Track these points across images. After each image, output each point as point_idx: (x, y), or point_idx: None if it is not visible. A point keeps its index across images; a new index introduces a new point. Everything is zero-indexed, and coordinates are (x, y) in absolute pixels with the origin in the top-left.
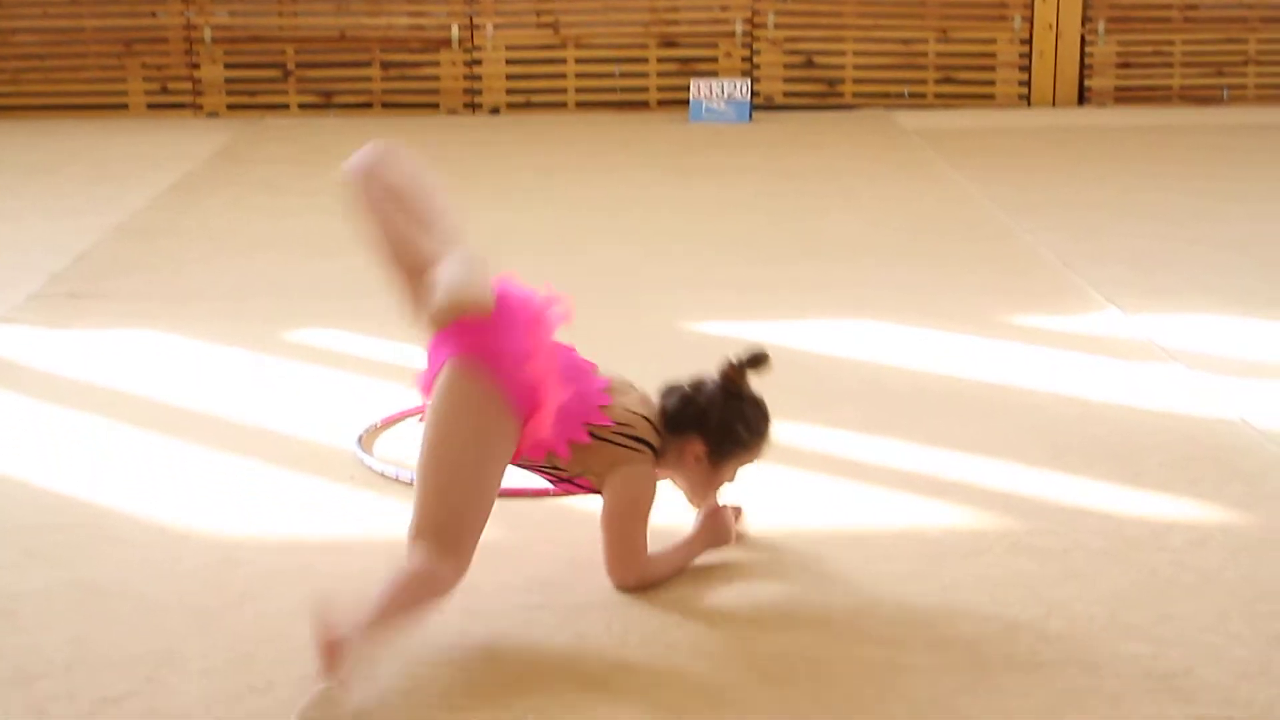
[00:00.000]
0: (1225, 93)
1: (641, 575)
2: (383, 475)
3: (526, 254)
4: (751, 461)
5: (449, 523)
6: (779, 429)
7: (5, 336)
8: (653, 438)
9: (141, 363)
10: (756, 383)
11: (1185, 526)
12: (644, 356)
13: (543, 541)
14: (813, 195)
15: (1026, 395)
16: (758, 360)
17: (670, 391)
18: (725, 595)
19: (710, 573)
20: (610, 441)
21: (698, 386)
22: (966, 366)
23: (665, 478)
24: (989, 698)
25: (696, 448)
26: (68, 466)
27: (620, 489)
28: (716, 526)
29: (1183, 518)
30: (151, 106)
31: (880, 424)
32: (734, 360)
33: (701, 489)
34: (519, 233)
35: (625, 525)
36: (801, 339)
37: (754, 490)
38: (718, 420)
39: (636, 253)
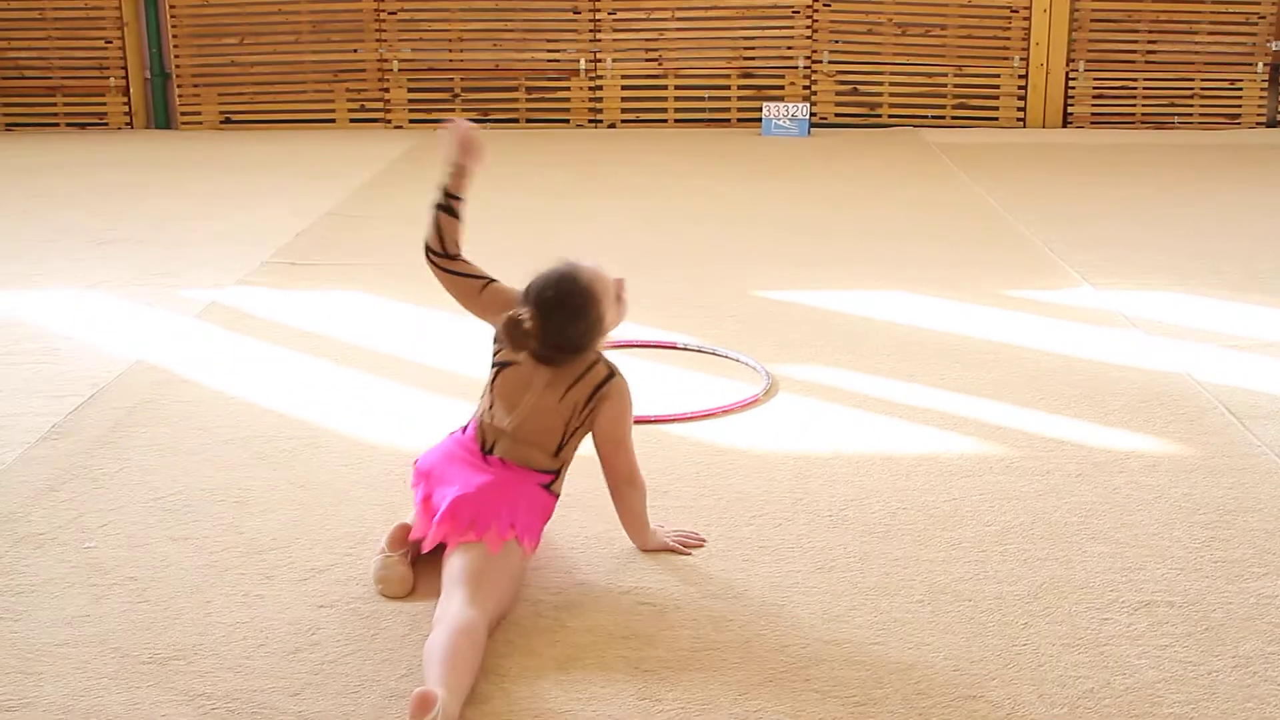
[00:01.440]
0: (1176, 119)
1: (637, 491)
2: None
3: (636, 232)
4: (613, 293)
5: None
6: (822, 370)
7: (244, 294)
8: (585, 362)
9: (343, 315)
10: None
11: (1140, 455)
12: (723, 322)
13: None
14: (856, 192)
15: (1018, 351)
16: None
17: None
18: (782, 506)
19: (770, 494)
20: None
21: (525, 328)
22: (972, 327)
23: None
24: (986, 584)
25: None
26: (287, 392)
27: (613, 412)
28: (671, 543)
29: (1139, 448)
30: (353, 121)
31: (907, 372)
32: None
33: (615, 329)
34: (630, 216)
35: (626, 439)
36: (848, 304)
37: (807, 421)
38: (583, 336)
39: (718, 233)
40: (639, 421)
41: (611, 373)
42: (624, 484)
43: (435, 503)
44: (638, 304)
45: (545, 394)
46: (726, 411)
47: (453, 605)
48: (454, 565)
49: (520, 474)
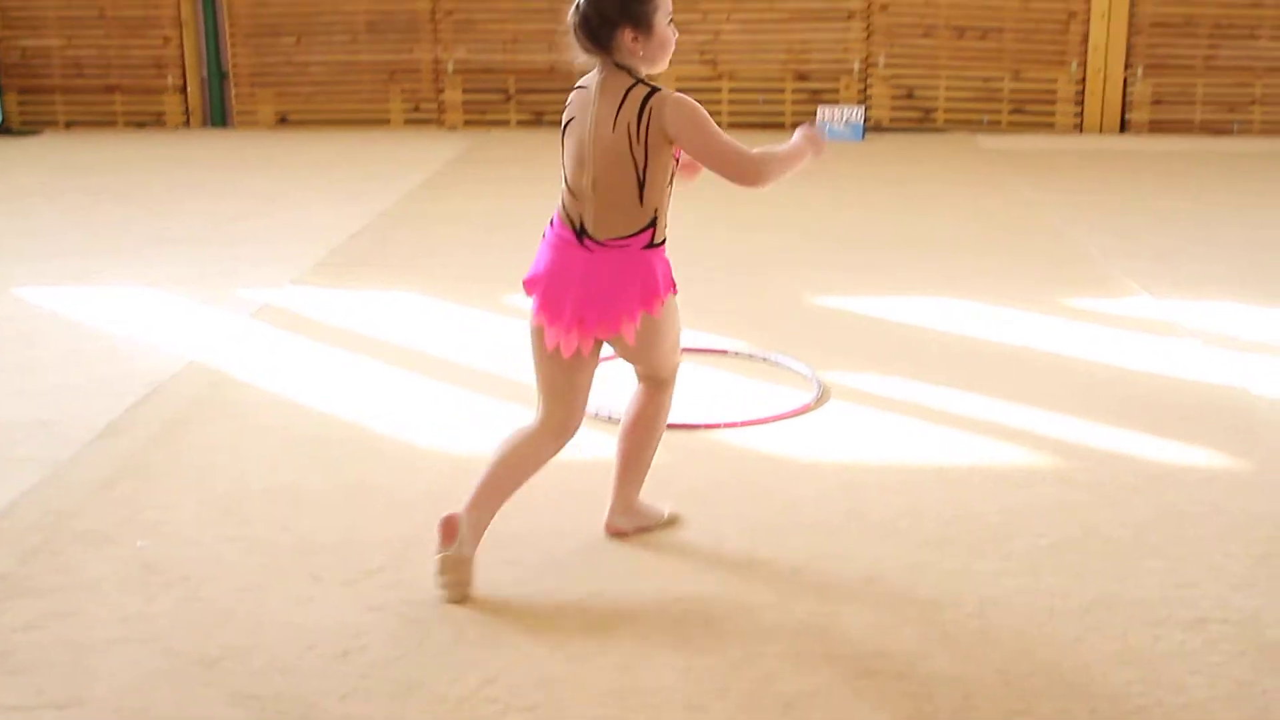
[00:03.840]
0: (1235, 126)
1: (760, 170)
2: None
3: (690, 238)
4: (666, 3)
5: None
6: (874, 379)
7: (298, 294)
8: (623, 71)
9: (397, 316)
10: None
11: (1196, 468)
12: (775, 329)
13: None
14: (912, 198)
15: (1074, 362)
16: None
17: (573, 36)
18: (834, 516)
19: (821, 503)
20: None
21: (575, 11)
22: (1028, 337)
23: (646, 72)
24: (1038, 598)
25: (625, 35)
26: (340, 393)
27: (678, 119)
28: (811, 134)
29: (1194, 461)
30: (408, 122)
31: (961, 381)
32: None
33: (659, 56)
34: (681, 221)
35: (710, 139)
36: (901, 312)
37: (859, 429)
38: (612, 7)
39: (771, 239)
40: (689, 428)
41: (655, 88)
42: (756, 165)
43: (558, 314)
44: (687, 307)
45: (600, 130)
46: (778, 419)
47: (637, 385)
48: (619, 353)
49: (619, 250)
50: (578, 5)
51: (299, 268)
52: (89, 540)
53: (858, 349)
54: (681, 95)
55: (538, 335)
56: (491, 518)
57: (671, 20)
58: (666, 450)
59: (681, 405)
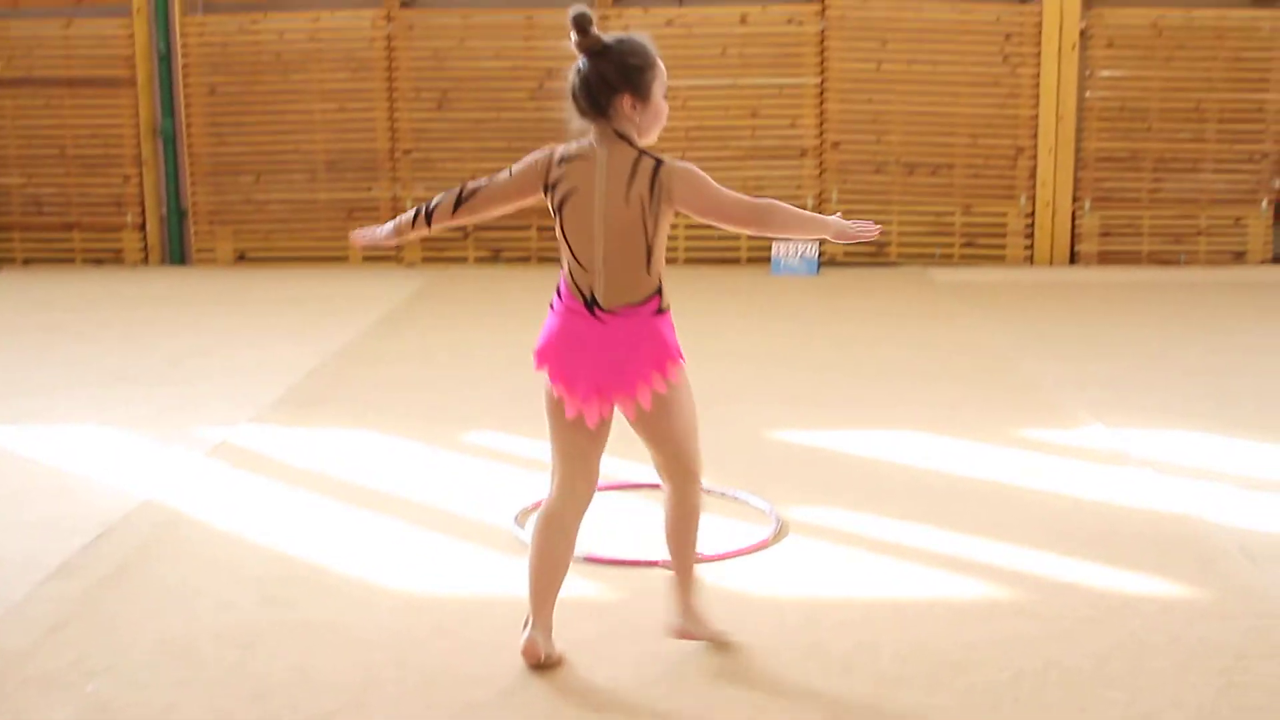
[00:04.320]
0: (1182, 257)
1: (764, 215)
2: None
3: None
4: (663, 76)
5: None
6: (832, 513)
7: (255, 432)
8: (623, 141)
9: (354, 454)
10: (604, 35)
11: (1154, 598)
12: (733, 464)
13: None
14: (866, 331)
15: (1030, 493)
16: (579, 20)
17: (571, 99)
18: (794, 652)
19: (780, 640)
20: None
21: (576, 75)
22: (984, 469)
23: (644, 141)
24: None
25: (624, 102)
26: (296, 532)
27: (686, 190)
28: (843, 224)
29: (1152, 591)
30: (366, 259)
31: (918, 514)
32: (573, 36)
33: (653, 127)
34: None
35: (715, 198)
36: (858, 445)
37: (817, 564)
38: (613, 73)
39: (728, 372)
40: (647, 564)
41: (660, 159)
42: (761, 211)
43: (575, 383)
44: (640, 445)
45: (612, 204)
46: (737, 554)
47: (665, 486)
48: (641, 434)
49: (630, 318)
50: (578, 69)
51: (256, 406)
52: (39, 684)
53: (815, 483)
54: (685, 165)
55: (556, 406)
56: (552, 609)
57: (666, 94)
58: (626, 589)
59: (638, 541)
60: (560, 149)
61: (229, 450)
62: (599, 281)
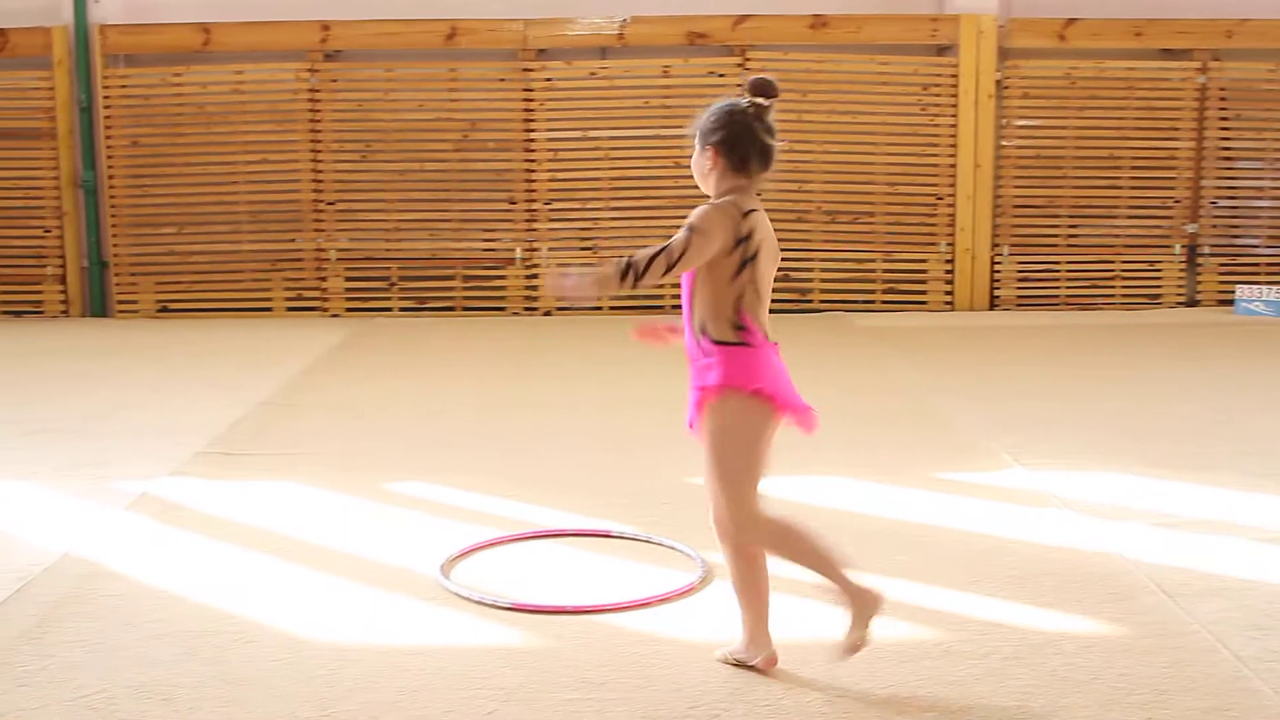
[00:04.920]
0: (1099, 300)
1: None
2: (457, 595)
3: (570, 415)
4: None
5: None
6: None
7: (177, 485)
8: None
9: (277, 506)
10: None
11: (1075, 635)
12: (657, 509)
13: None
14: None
15: (950, 534)
16: (774, 86)
17: (755, 162)
18: (720, 691)
19: (707, 685)
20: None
21: (767, 135)
22: (906, 511)
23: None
24: None
25: (708, 156)
26: (219, 585)
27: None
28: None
29: (1073, 629)
30: (290, 309)
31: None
32: (765, 100)
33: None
34: (563, 401)
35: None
36: (778, 489)
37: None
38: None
39: (642, 417)
40: (573, 611)
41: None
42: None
43: (790, 401)
44: (569, 490)
45: (776, 249)
46: (662, 600)
47: None
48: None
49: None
50: (768, 128)
51: (178, 458)
52: None
53: None
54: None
55: (766, 430)
56: (767, 610)
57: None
58: (552, 635)
59: (564, 589)
60: (736, 202)
61: (150, 503)
62: (767, 320)
